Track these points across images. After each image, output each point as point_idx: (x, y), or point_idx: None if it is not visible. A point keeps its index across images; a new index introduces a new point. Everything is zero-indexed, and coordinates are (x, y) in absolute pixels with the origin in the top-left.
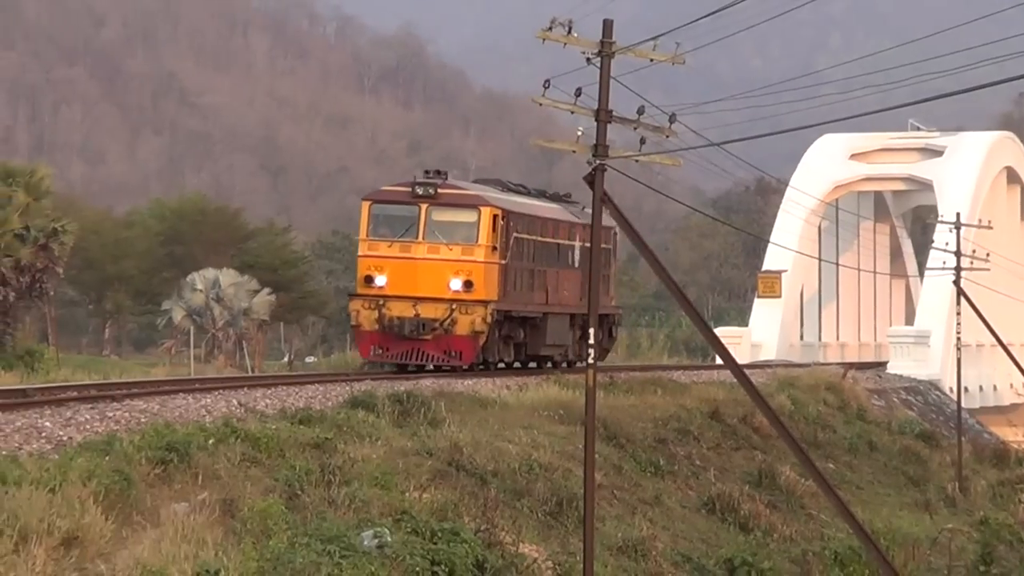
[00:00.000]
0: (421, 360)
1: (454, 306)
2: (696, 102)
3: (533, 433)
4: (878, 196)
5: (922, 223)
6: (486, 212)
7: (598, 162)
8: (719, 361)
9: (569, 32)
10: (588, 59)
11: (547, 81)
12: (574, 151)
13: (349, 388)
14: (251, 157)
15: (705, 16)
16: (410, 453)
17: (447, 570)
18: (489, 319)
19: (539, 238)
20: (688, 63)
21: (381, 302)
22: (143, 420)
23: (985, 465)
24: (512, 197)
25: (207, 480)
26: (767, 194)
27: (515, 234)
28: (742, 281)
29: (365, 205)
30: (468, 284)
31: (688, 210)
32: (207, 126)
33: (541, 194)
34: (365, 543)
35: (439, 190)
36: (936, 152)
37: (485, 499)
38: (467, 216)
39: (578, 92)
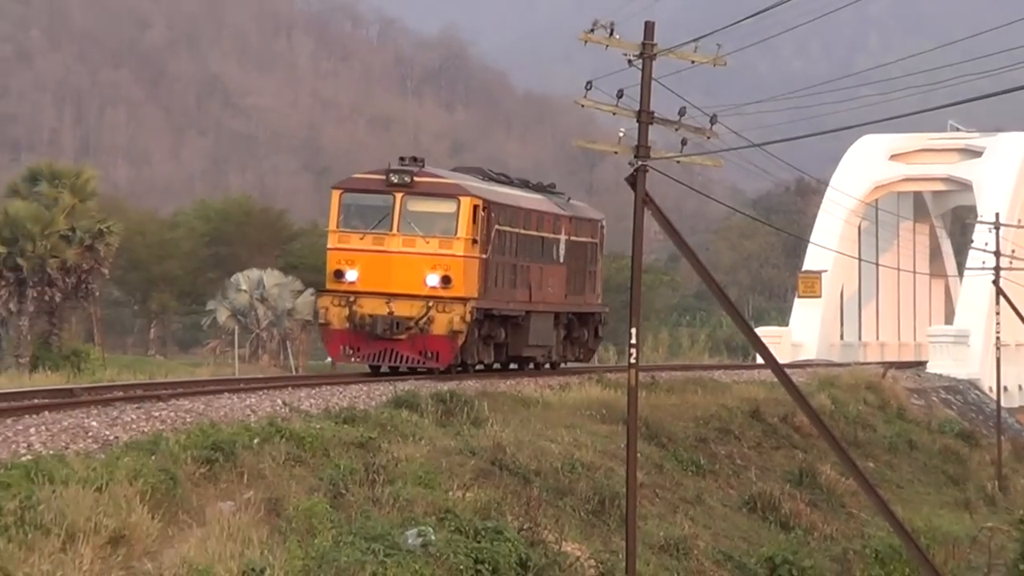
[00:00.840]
0: (395, 361)
1: (431, 303)
2: (737, 103)
3: (575, 432)
4: (917, 196)
5: (961, 223)
6: (466, 202)
7: (640, 163)
8: (760, 360)
9: (611, 34)
10: (630, 61)
11: (589, 83)
12: (616, 152)
13: (392, 388)
14: (295, 158)
15: (746, 18)
16: (453, 452)
17: (491, 568)
18: (468, 318)
19: (522, 231)
20: (729, 64)
21: (352, 299)
22: (189, 420)
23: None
24: (494, 187)
25: (252, 479)
26: (807, 194)
27: (497, 226)
28: (782, 281)
29: (335, 194)
30: (446, 280)
31: (729, 210)
32: (251, 127)
33: (524, 184)
34: (409, 541)
35: (415, 178)
36: (975, 153)
37: (528, 498)
38: (446, 206)
39: (620, 94)
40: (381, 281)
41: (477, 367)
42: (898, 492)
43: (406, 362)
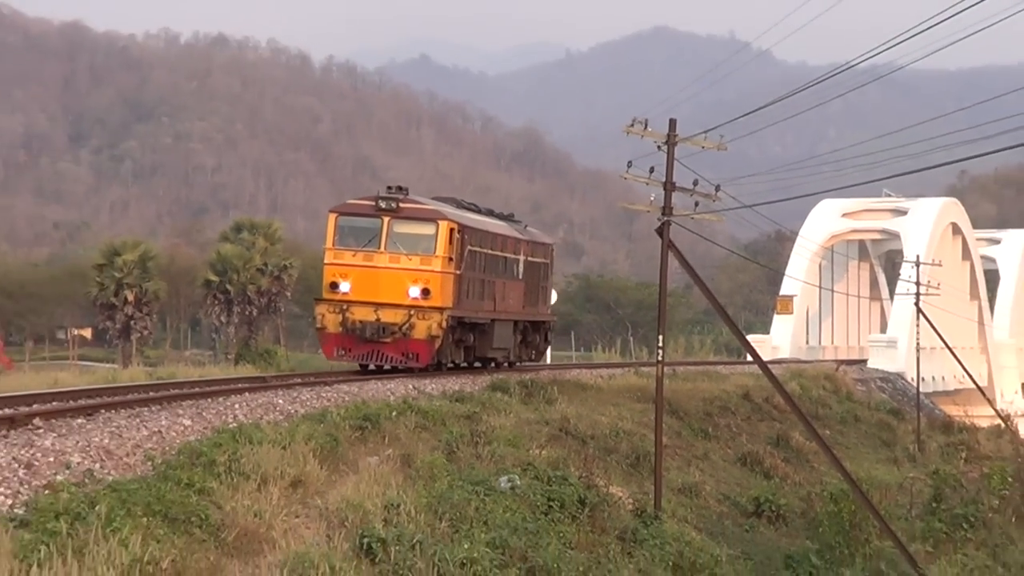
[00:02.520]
0: (381, 361)
1: (412, 312)
2: (733, 176)
3: (619, 409)
4: (861, 243)
5: (892, 262)
6: (444, 226)
7: (665, 219)
8: (749, 358)
9: (645, 127)
10: (658, 147)
11: (630, 162)
12: (648, 211)
13: (490, 377)
14: None
15: (740, 117)
16: (533, 422)
17: (559, 504)
18: (444, 325)
19: (489, 251)
20: (728, 149)
21: (345, 307)
22: (347, 398)
23: (936, 432)
24: (466, 214)
25: (391, 441)
26: (783, 241)
27: (469, 247)
28: (765, 302)
29: (332, 217)
30: (426, 292)
31: (728, 252)
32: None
33: (490, 212)
34: (502, 485)
35: (400, 204)
36: (902, 212)
37: (585, 455)
38: (426, 229)
39: (651, 169)
40: (370, 292)
41: (449, 366)
42: (847, 452)
43: (390, 362)
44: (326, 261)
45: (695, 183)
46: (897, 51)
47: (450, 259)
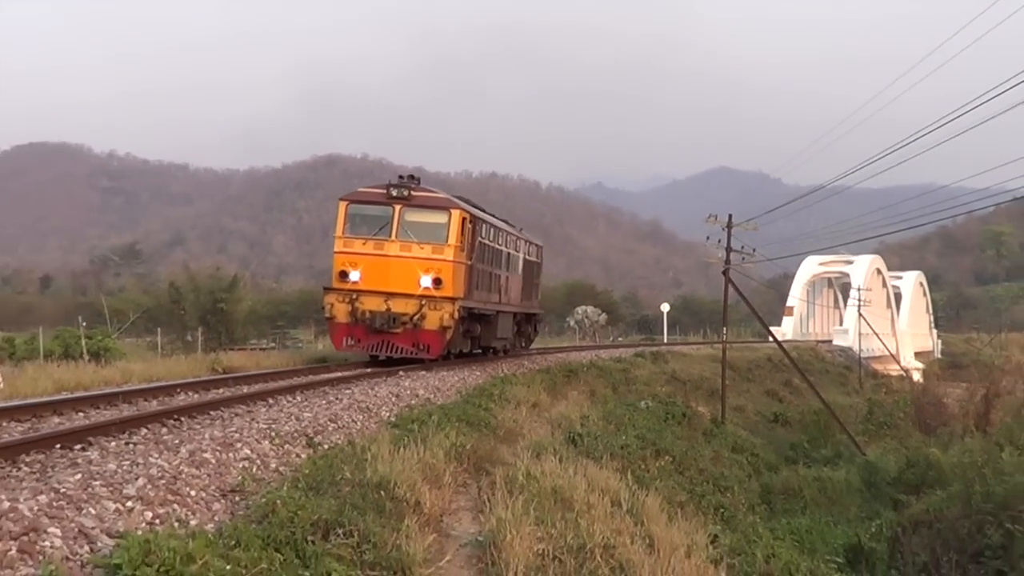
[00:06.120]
0: (391, 352)
1: (424, 302)
2: (762, 244)
3: (702, 365)
4: (829, 279)
5: (846, 288)
6: (456, 214)
7: (726, 266)
8: (771, 340)
9: (716, 218)
10: (723, 228)
11: (707, 236)
12: (717, 262)
13: (634, 349)
14: (600, 267)
15: (765, 213)
16: (657, 373)
17: (672, 416)
18: (456, 315)
19: (496, 245)
20: (759, 229)
21: (354, 296)
22: (560, 360)
23: (869, 378)
24: (475, 208)
25: (584, 382)
26: (788, 278)
27: (479, 239)
28: (778, 310)
29: (342, 205)
30: (438, 281)
31: (758, 284)
32: (582, 254)
33: (491, 215)
34: (641, 406)
35: (412, 193)
36: (851, 262)
37: (685, 390)
38: (438, 217)
39: (719, 240)
40: (380, 281)
41: (454, 355)
42: (822, 389)
43: (401, 352)
44: (335, 250)
45: (742, 247)
46: (849, 178)
47: (462, 249)
